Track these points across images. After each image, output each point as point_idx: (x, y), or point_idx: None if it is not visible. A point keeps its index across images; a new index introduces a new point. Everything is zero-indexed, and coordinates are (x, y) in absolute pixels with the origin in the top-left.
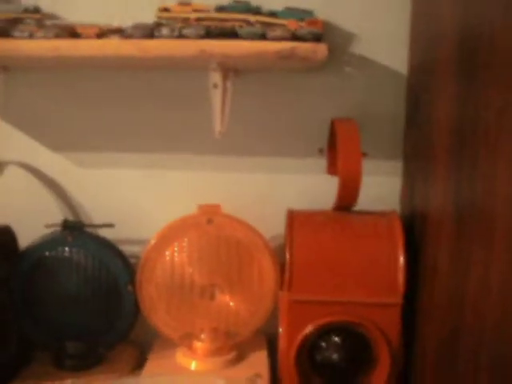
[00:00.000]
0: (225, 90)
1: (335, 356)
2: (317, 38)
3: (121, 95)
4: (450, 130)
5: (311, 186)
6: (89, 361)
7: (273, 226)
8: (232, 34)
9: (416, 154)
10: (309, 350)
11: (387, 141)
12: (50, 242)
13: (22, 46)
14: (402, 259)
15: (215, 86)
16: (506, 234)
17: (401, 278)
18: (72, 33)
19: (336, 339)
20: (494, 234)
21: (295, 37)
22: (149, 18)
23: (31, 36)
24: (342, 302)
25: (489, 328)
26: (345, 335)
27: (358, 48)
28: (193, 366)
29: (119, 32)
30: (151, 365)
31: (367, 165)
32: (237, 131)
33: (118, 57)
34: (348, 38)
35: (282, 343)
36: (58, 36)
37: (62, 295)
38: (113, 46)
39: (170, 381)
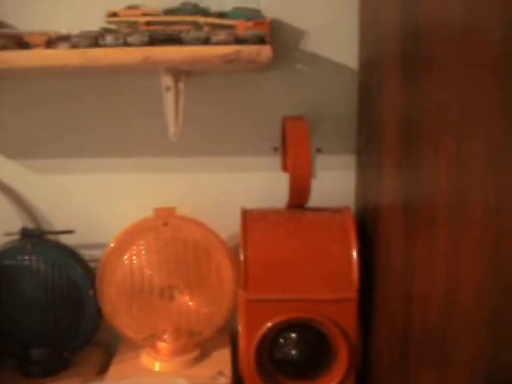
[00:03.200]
0: (177, 92)
1: (294, 352)
2: (261, 40)
3: (74, 100)
4: (398, 125)
5: (268, 185)
6: (55, 366)
7: (230, 226)
8: (176, 40)
9: (368, 148)
10: (268, 347)
11: (341, 136)
12: (9, 251)
13: None
14: (355, 255)
15: (167, 88)
16: (447, 228)
17: (355, 273)
18: (20, 42)
19: (294, 336)
20: (437, 229)
21: (239, 40)
22: (98, 23)
23: None
24: (299, 299)
25: (434, 319)
26: (303, 331)
27: (309, 45)
28: (157, 366)
29: (66, 40)
30: (116, 368)
31: (322, 160)
32: (191, 132)
33: (65, 66)
34: (298, 35)
35: (241, 341)
36: (4, 47)
37: (24, 303)
38: (59, 56)
39: (134, 383)
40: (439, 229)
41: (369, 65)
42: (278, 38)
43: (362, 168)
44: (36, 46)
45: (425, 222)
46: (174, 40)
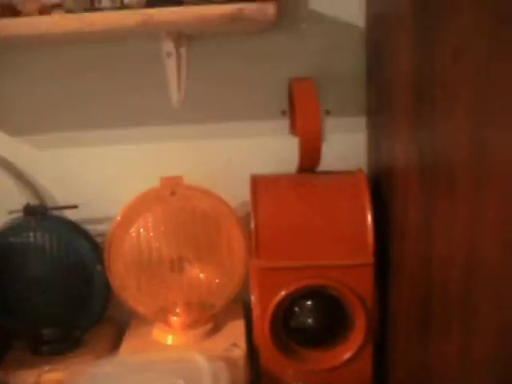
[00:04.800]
0: (179, 58)
1: (309, 321)
2: None
3: (73, 72)
4: (410, 81)
5: (276, 149)
6: (66, 345)
7: (239, 193)
8: (177, 0)
9: (378, 108)
10: (283, 316)
11: (350, 97)
12: (13, 229)
13: None
14: (369, 218)
15: (168, 54)
16: (466, 183)
17: (370, 237)
18: (13, 11)
19: (309, 304)
20: (455, 186)
21: None
22: None
23: None
24: (313, 265)
25: (455, 280)
26: (318, 299)
27: (314, 3)
28: (169, 340)
29: (61, 5)
30: (128, 343)
31: (331, 123)
32: (195, 99)
33: (62, 33)
34: None
35: (255, 311)
36: None
37: (32, 281)
38: (54, 22)
39: (147, 358)
40: (459, 185)
41: (377, 21)
42: None
43: (373, 129)
44: (29, 14)
45: (443, 180)
46: (174, 0)
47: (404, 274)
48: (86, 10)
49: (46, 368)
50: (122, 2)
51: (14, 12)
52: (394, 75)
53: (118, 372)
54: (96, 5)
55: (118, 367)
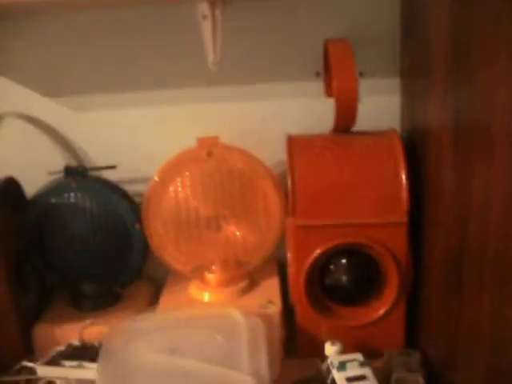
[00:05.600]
0: (214, 20)
1: (344, 278)
2: None
3: (110, 34)
4: (446, 40)
5: (310, 110)
6: (106, 300)
7: (275, 153)
8: None
9: (413, 69)
10: (318, 273)
11: (384, 59)
12: (54, 189)
13: None
14: (404, 177)
15: (204, 16)
16: (505, 146)
17: (404, 196)
18: None
19: (344, 261)
20: (494, 146)
21: None
22: None
23: None
24: (348, 224)
25: (491, 243)
26: (352, 257)
27: None
28: (206, 297)
29: None
30: (165, 299)
31: (365, 84)
32: (230, 60)
33: None
34: None
35: (291, 269)
36: None
37: (73, 239)
38: None
39: (185, 314)
40: (497, 145)
41: None
42: None
43: (408, 91)
44: None
45: (481, 141)
46: None
47: (438, 233)
48: None
49: (88, 321)
50: None
51: None
52: (430, 35)
53: (157, 327)
54: None
55: (156, 322)
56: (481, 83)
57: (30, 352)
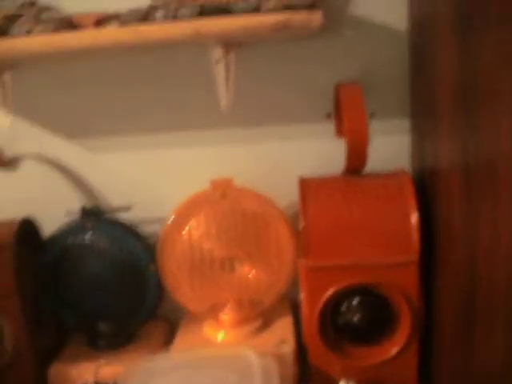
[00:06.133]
0: (228, 64)
1: (356, 318)
2: (311, 6)
3: (125, 78)
4: (453, 83)
5: (322, 151)
6: (120, 339)
7: (287, 195)
8: (226, 11)
9: (423, 110)
10: (331, 313)
11: (394, 100)
12: (71, 231)
13: (21, 43)
14: (415, 217)
15: (217, 61)
16: (510, 184)
17: (415, 235)
18: (69, 24)
19: (356, 301)
20: (499, 187)
21: (289, 7)
22: (145, 1)
23: (29, 32)
24: (360, 264)
25: (501, 280)
26: (365, 297)
27: (357, 9)
28: (220, 337)
29: (116, 18)
30: (180, 340)
31: (375, 125)
32: (243, 103)
33: (116, 44)
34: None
35: (304, 309)
36: (56, 30)
37: (89, 280)
38: (110, 34)
39: (200, 354)
40: (503, 186)
41: (420, 25)
42: (325, 2)
43: (417, 131)
44: (85, 27)
45: (487, 181)
46: (225, 11)
47: (449, 272)
48: (141, 21)
49: (103, 361)
50: (174, 15)
51: (69, 25)
52: (438, 78)
53: (172, 367)
54: (150, 17)
55: (171, 362)
56: (486, 125)
57: None
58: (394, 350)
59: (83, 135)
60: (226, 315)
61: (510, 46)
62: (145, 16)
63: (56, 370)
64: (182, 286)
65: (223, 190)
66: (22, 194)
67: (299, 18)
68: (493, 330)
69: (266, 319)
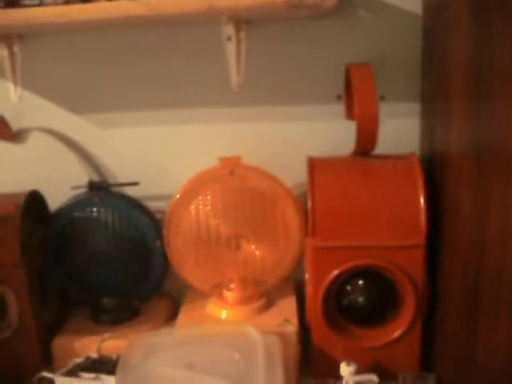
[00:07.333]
0: (239, 42)
1: (361, 299)
2: None
3: (136, 53)
4: (467, 68)
5: (331, 132)
6: (124, 314)
7: (295, 174)
8: None
9: (434, 94)
10: (335, 294)
11: (405, 83)
12: (77, 204)
13: (33, 14)
14: (422, 201)
15: (229, 38)
16: None
17: (423, 219)
18: None
19: (361, 283)
20: (510, 173)
21: None
22: None
23: (41, 3)
24: (366, 246)
25: (508, 267)
26: (370, 278)
27: None
28: (224, 315)
29: None
30: (184, 316)
31: (385, 108)
32: (253, 82)
33: (128, 17)
34: None
35: (309, 289)
36: (68, 1)
37: (94, 254)
38: (122, 7)
39: (203, 330)
40: None
41: (434, 8)
42: None
43: (428, 114)
44: (97, 0)
45: (500, 166)
46: None
47: (455, 256)
48: None
49: (107, 335)
50: None
51: None
52: (451, 61)
53: (175, 342)
54: None
55: (174, 338)
56: (499, 110)
57: (49, 363)
58: (397, 333)
59: (91, 110)
60: (231, 293)
61: None
62: None
63: (59, 342)
64: (187, 263)
65: (231, 167)
66: (29, 167)
67: None
68: (497, 321)
69: (269, 298)
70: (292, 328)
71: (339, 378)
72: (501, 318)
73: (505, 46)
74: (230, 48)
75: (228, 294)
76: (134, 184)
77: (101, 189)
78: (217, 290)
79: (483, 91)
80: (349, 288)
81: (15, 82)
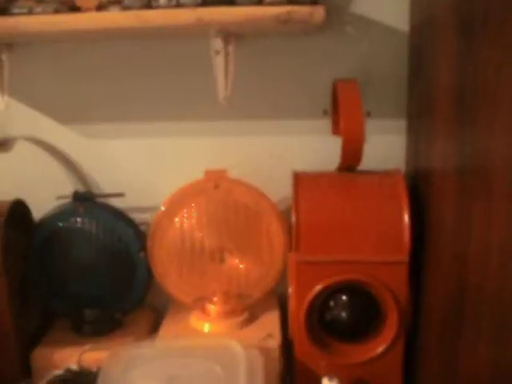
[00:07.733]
0: (227, 56)
1: (344, 314)
2: (313, 1)
3: (124, 65)
4: (451, 87)
5: (318, 147)
6: (106, 326)
7: (280, 189)
8: (230, 1)
9: (419, 112)
10: (318, 309)
11: (391, 100)
12: (62, 214)
13: (22, 22)
14: (407, 217)
15: (217, 52)
16: (505, 190)
17: (407, 235)
18: (71, 6)
19: (344, 298)
20: (493, 190)
21: (292, 0)
22: None
23: (30, 12)
24: (350, 261)
25: (490, 284)
26: (353, 294)
27: (359, 8)
28: (206, 328)
29: (118, 3)
30: (166, 328)
31: (371, 124)
32: (241, 96)
33: (118, 28)
34: None
35: (292, 303)
36: (57, 11)
37: (77, 264)
38: (112, 18)
39: (185, 343)
40: (496, 189)
41: (421, 26)
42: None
43: (413, 132)
44: (87, 10)
45: (481, 184)
46: (227, 1)
47: (438, 273)
48: (143, 7)
49: (88, 347)
50: (177, 2)
51: (72, 7)
52: (436, 81)
53: (156, 355)
54: (153, 3)
55: (155, 350)
56: (482, 129)
57: (28, 375)
58: (380, 349)
59: (78, 121)
60: (214, 306)
61: (508, 51)
62: (148, 2)
63: (39, 353)
64: (170, 275)
65: (216, 180)
66: (14, 175)
67: (301, 11)
68: (479, 335)
69: (253, 312)
70: (274, 343)
71: None
72: (483, 333)
73: (488, 65)
74: (219, 62)
75: (211, 308)
76: (120, 195)
77: (86, 199)
78: (200, 302)
79: (466, 109)
80: (332, 303)
81: (2, 91)
